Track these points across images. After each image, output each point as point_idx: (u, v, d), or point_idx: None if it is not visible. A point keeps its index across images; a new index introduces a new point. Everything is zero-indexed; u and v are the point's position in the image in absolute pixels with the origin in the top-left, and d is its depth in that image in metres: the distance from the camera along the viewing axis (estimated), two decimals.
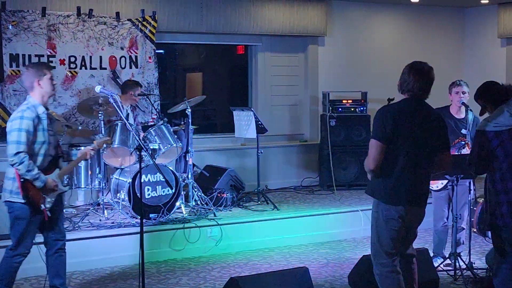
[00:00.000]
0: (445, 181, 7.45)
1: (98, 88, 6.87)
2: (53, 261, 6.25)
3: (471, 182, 7.38)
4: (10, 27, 9.04)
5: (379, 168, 5.29)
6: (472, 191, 7.40)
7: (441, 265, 7.50)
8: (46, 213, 5.95)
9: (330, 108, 11.15)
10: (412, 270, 5.64)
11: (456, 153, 7.26)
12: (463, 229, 7.66)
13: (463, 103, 7.48)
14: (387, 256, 5.45)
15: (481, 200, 8.45)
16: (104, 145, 7.08)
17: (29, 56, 9.19)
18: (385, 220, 5.39)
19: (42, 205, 5.91)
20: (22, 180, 5.80)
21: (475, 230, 8.23)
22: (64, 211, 8.56)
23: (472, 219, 7.77)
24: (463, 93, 7.55)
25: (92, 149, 6.48)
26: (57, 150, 6.15)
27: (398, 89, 5.49)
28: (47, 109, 6.05)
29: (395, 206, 5.32)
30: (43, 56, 9.27)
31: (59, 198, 6.19)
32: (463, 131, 7.51)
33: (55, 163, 6.08)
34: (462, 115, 7.62)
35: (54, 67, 6.29)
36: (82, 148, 7.09)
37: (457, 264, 7.19)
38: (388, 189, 5.35)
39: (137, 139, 6.56)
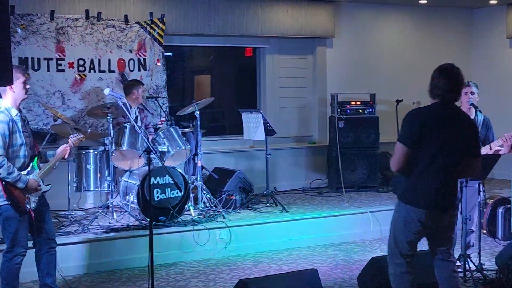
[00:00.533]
0: None
1: (107, 91, 6.88)
2: (44, 260, 6.28)
3: (480, 184, 7.35)
4: (19, 30, 9.08)
5: (402, 170, 5.28)
6: (481, 193, 7.37)
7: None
8: (32, 213, 5.98)
9: (339, 110, 11.14)
10: (453, 274, 5.52)
11: None
12: (473, 231, 7.63)
13: (472, 104, 7.44)
14: (402, 257, 5.41)
15: (490, 202, 8.45)
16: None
17: (38, 59, 9.23)
18: (403, 221, 5.34)
19: (28, 205, 5.95)
20: (3, 183, 5.82)
21: (484, 231, 8.22)
22: (74, 213, 8.66)
23: (482, 221, 7.75)
24: (472, 93, 7.52)
25: (67, 147, 6.46)
26: (33, 151, 6.19)
27: (428, 94, 5.42)
28: (20, 111, 6.07)
29: (415, 208, 5.27)
30: (52, 59, 9.31)
31: (42, 198, 6.23)
32: None
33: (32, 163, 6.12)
34: (472, 117, 7.59)
35: (28, 74, 6.23)
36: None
37: (466, 265, 7.16)
38: (410, 190, 5.33)
39: (146, 141, 6.56)
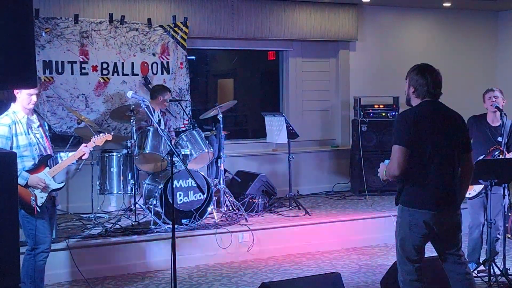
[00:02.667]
0: (478, 188, 7.34)
1: (130, 94, 6.90)
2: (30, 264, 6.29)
3: (505, 188, 7.28)
4: (43, 34, 9.15)
5: (404, 173, 5.16)
6: (506, 197, 7.29)
7: (475, 271, 7.40)
8: (36, 208, 6.01)
9: (362, 113, 11.12)
10: (466, 276, 5.37)
11: (487, 159, 7.18)
12: (498, 239, 7.54)
13: (496, 107, 7.38)
14: (410, 263, 5.30)
15: None
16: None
17: (62, 62, 9.30)
18: (408, 226, 5.23)
19: (33, 201, 5.99)
20: None
21: (509, 236, 8.14)
22: (97, 216, 8.70)
23: (507, 225, 7.67)
24: (495, 97, 7.46)
25: (86, 146, 6.48)
26: (46, 151, 6.26)
27: (410, 96, 5.44)
28: (37, 113, 6.22)
29: (420, 210, 5.18)
30: (75, 62, 9.37)
31: (52, 201, 6.30)
32: (499, 138, 7.43)
33: (43, 162, 6.18)
34: (498, 123, 7.52)
35: (39, 88, 6.37)
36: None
37: (491, 270, 7.10)
38: (411, 193, 5.23)
39: (169, 144, 6.57)
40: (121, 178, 8.65)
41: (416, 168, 5.16)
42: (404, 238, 5.30)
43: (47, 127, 6.55)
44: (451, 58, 12.39)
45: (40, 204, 6.08)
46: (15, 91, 6.08)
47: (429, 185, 5.16)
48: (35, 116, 6.26)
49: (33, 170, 6.10)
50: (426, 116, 5.23)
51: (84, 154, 6.48)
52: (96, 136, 6.76)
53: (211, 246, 8.24)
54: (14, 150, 5.94)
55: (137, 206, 8.65)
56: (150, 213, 8.41)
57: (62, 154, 6.50)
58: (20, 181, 5.94)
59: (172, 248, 6.04)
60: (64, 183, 6.37)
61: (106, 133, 6.86)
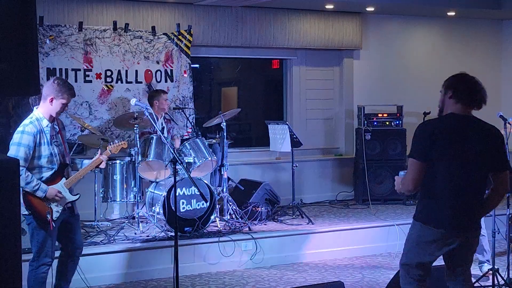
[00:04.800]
0: None
1: (133, 101, 6.91)
2: (67, 266, 6.29)
3: (509, 197, 7.25)
4: (47, 41, 9.16)
5: (418, 188, 4.88)
6: (511, 206, 7.26)
7: (478, 282, 7.36)
8: (52, 223, 5.94)
9: (366, 122, 11.10)
10: None
11: None
12: (484, 236, 7.52)
13: (500, 116, 7.37)
14: (414, 282, 5.02)
15: None
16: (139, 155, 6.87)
17: (66, 70, 9.30)
18: (417, 242, 4.96)
19: (48, 215, 5.92)
20: (23, 192, 5.80)
21: None
22: (100, 224, 8.69)
23: (511, 235, 7.64)
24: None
25: (103, 155, 6.48)
26: (64, 159, 6.17)
27: (447, 101, 4.98)
28: (53, 120, 6.08)
29: (430, 227, 4.86)
30: (79, 70, 9.38)
31: (71, 207, 6.22)
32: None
33: (60, 173, 6.09)
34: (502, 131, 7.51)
35: (74, 96, 6.29)
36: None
37: (495, 280, 7.07)
38: (426, 209, 4.92)
39: (172, 151, 6.56)
40: (124, 186, 8.64)
41: (431, 183, 4.85)
42: (411, 253, 5.03)
43: (65, 131, 6.47)
44: (455, 67, 12.24)
45: (55, 218, 6.00)
46: (50, 97, 5.93)
47: (444, 203, 4.82)
48: (55, 122, 6.15)
49: (50, 181, 6.00)
50: (447, 129, 4.85)
51: (101, 163, 6.47)
52: (111, 144, 6.74)
53: (214, 254, 8.22)
54: (35, 160, 5.88)
55: (140, 214, 8.64)
56: (153, 221, 8.40)
57: (85, 161, 6.46)
58: (39, 193, 5.88)
59: (175, 257, 6.04)
60: (79, 195, 6.28)
61: (121, 140, 6.84)
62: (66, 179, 6.14)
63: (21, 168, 5.71)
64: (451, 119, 4.90)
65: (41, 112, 5.99)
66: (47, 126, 5.97)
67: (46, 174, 5.97)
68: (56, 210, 6.02)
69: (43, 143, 5.92)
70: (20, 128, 5.91)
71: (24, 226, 6.01)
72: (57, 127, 6.16)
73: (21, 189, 5.78)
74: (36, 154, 5.88)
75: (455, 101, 4.92)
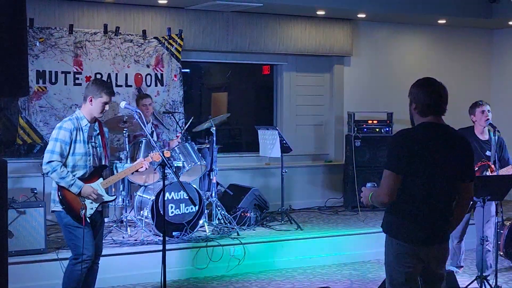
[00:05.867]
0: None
1: (122, 104, 6.87)
2: (86, 273, 6.23)
3: (498, 205, 7.27)
4: (37, 43, 9.13)
5: (393, 200, 4.60)
6: (500, 214, 7.28)
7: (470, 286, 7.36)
8: (86, 219, 5.97)
9: (355, 129, 11.11)
10: None
11: (483, 175, 7.16)
12: (489, 251, 7.54)
13: (490, 124, 7.38)
14: None
15: (508, 223, 8.35)
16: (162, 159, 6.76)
17: (56, 72, 9.28)
18: (395, 256, 4.71)
19: (82, 211, 5.94)
20: (58, 187, 5.94)
21: (501, 253, 8.12)
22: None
23: (499, 242, 7.66)
24: (488, 111, 7.47)
25: (145, 160, 6.52)
26: (101, 162, 6.23)
27: (412, 114, 4.79)
28: (95, 121, 6.19)
29: (406, 244, 4.63)
30: (69, 72, 9.35)
31: (101, 211, 6.24)
32: (488, 153, 7.42)
33: (97, 173, 6.15)
34: (487, 136, 7.53)
35: (113, 95, 6.33)
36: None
37: (483, 287, 7.07)
38: (400, 225, 4.67)
39: (161, 155, 6.53)
40: (113, 189, 8.60)
41: (405, 197, 4.62)
42: (393, 271, 4.79)
43: (107, 136, 6.49)
44: (446, 75, 12.33)
45: (89, 215, 6.03)
46: (90, 97, 6.05)
47: (419, 218, 4.62)
48: (96, 124, 6.23)
49: (87, 179, 6.06)
50: (423, 140, 4.62)
51: (142, 167, 6.45)
52: (152, 152, 6.74)
53: (202, 259, 8.19)
54: (69, 157, 5.96)
55: (128, 217, 8.60)
56: (141, 225, 8.37)
57: (126, 165, 6.46)
58: (74, 189, 5.93)
59: (163, 261, 6.01)
60: (116, 195, 6.31)
61: (164, 149, 6.85)
62: (104, 179, 6.18)
63: (57, 163, 5.87)
64: (425, 129, 4.69)
65: (82, 112, 6.12)
66: (85, 125, 6.08)
67: (79, 172, 6.02)
68: (90, 207, 6.05)
69: (79, 141, 6.01)
70: (58, 124, 6.06)
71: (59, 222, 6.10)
72: (97, 129, 6.24)
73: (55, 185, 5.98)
74: (70, 151, 5.97)
75: (421, 114, 4.72)
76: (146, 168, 6.57)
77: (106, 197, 6.19)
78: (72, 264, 6.07)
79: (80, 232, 5.94)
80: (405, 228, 4.65)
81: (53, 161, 5.87)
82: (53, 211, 6.11)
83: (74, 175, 5.97)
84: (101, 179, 6.15)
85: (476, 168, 7.29)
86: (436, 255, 4.74)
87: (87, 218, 5.99)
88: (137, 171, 6.59)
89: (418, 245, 4.64)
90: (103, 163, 6.26)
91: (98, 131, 6.24)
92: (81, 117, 6.09)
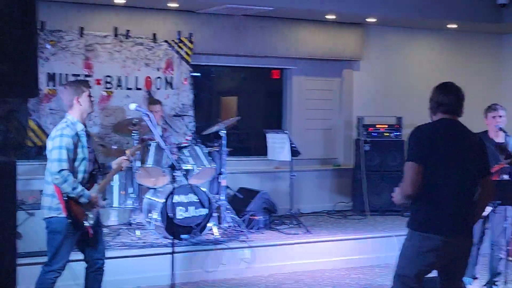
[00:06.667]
0: (488, 209, 7.25)
1: (133, 106, 6.88)
2: (92, 279, 6.22)
3: (508, 209, 7.23)
4: (48, 46, 9.16)
5: (417, 192, 4.85)
6: (509, 218, 7.25)
7: None
8: (90, 230, 5.89)
9: (365, 133, 11.11)
10: None
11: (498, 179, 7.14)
12: (501, 258, 7.50)
13: (500, 128, 7.36)
14: None
15: None
16: (136, 156, 6.79)
17: (66, 75, 9.30)
18: (417, 252, 4.93)
19: (86, 222, 5.86)
20: (65, 198, 5.73)
21: (511, 258, 8.07)
22: None
23: (509, 248, 7.62)
24: (500, 117, 7.44)
25: (126, 159, 6.38)
26: (94, 166, 6.12)
27: (431, 114, 5.19)
28: (85, 125, 6.04)
29: (432, 235, 4.84)
30: (79, 75, 9.38)
31: (98, 216, 6.15)
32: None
33: (94, 178, 6.06)
34: (502, 139, 7.50)
35: (90, 87, 6.27)
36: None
37: None
38: (423, 216, 4.91)
39: (170, 157, 6.55)
40: (122, 192, 8.63)
41: (428, 189, 4.85)
42: (408, 264, 4.98)
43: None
44: (456, 80, 12.17)
45: (92, 224, 5.92)
46: (75, 98, 5.88)
47: (442, 208, 4.84)
48: (86, 127, 6.11)
49: (86, 186, 5.92)
50: (442, 133, 4.99)
51: (122, 167, 6.41)
52: (129, 148, 6.70)
53: (211, 262, 8.20)
54: (71, 164, 5.79)
55: (137, 220, 8.62)
56: (150, 228, 8.38)
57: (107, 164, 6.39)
58: (83, 199, 5.80)
59: (172, 264, 6.02)
60: (108, 199, 6.25)
61: (138, 145, 6.80)
62: (98, 184, 6.10)
63: (67, 172, 5.70)
64: (443, 123, 5.05)
65: (74, 116, 5.93)
66: (81, 129, 5.93)
67: (79, 179, 5.86)
68: (91, 216, 5.94)
69: (79, 146, 5.86)
70: (57, 132, 5.83)
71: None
72: (89, 134, 6.14)
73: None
74: (73, 156, 5.82)
75: (437, 112, 5.13)
76: (126, 165, 6.45)
77: (102, 203, 6.12)
78: (45, 271, 5.92)
79: (66, 241, 5.83)
80: (429, 219, 4.87)
81: (63, 169, 5.69)
82: (46, 218, 5.88)
83: (78, 182, 5.83)
84: (96, 185, 6.04)
85: (494, 172, 7.27)
86: (462, 249, 4.97)
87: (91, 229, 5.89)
88: (121, 170, 6.46)
89: (445, 235, 4.82)
90: (95, 167, 6.13)
91: (90, 135, 6.16)
92: (75, 122, 5.90)
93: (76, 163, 5.86)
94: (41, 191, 6.96)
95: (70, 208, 5.78)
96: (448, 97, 5.11)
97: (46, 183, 5.87)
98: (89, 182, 5.99)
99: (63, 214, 5.77)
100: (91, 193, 5.90)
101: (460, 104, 5.13)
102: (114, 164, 6.36)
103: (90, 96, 6.00)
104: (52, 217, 5.84)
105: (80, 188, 5.78)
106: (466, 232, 4.98)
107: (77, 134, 5.87)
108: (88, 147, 5.97)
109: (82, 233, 5.95)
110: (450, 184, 4.87)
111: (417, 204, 4.96)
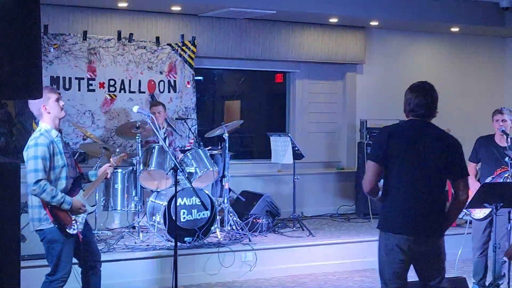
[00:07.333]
0: (487, 211, 7.27)
1: (135, 108, 6.89)
2: (90, 281, 6.19)
3: (511, 212, 7.22)
4: (51, 50, 9.19)
5: (374, 190, 4.95)
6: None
7: None
8: (80, 235, 5.85)
9: (368, 136, 11.09)
10: None
11: (493, 182, 7.14)
12: (505, 261, 7.48)
13: (503, 131, 7.36)
14: None
15: None
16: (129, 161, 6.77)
17: (70, 78, 9.33)
18: (385, 251, 4.95)
19: (75, 227, 5.81)
20: (49, 207, 5.68)
21: None
22: (100, 232, 8.67)
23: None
24: (503, 121, 7.44)
25: (110, 166, 6.32)
26: (76, 171, 6.05)
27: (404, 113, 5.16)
28: (60, 131, 5.96)
29: (393, 234, 4.89)
30: (83, 79, 9.41)
31: (86, 220, 6.06)
32: (507, 159, 7.39)
33: (78, 184, 5.98)
34: (505, 143, 7.50)
35: (59, 93, 6.14)
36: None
37: None
38: (386, 216, 5.00)
39: (173, 159, 6.55)
40: (125, 195, 8.64)
41: (389, 189, 4.93)
42: (383, 264, 5.03)
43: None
44: (459, 83, 12.40)
45: (80, 230, 5.88)
46: (42, 107, 5.72)
47: (402, 207, 4.87)
48: (62, 134, 6.04)
49: (70, 193, 5.84)
50: (404, 133, 4.98)
51: (107, 175, 6.34)
52: (114, 156, 6.65)
53: (214, 265, 8.21)
54: (51, 171, 5.70)
55: (140, 223, 8.63)
56: (153, 231, 8.39)
57: (90, 172, 6.34)
58: (65, 206, 5.71)
59: (174, 266, 6.02)
60: (95, 205, 6.18)
61: (121, 152, 6.73)
62: (83, 190, 6.03)
63: (44, 182, 5.60)
64: (409, 124, 5.05)
65: (47, 124, 5.81)
66: (56, 136, 5.81)
67: (61, 185, 5.78)
68: (80, 221, 5.89)
69: (56, 153, 5.74)
70: (31, 142, 5.72)
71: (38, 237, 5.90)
72: (65, 139, 6.06)
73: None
74: (51, 164, 5.71)
75: (407, 113, 5.10)
76: (111, 172, 6.35)
77: (89, 208, 6.01)
78: (49, 281, 5.86)
79: (65, 248, 5.78)
80: (392, 219, 4.92)
81: (40, 180, 5.58)
82: (39, 230, 5.80)
83: (58, 190, 5.74)
84: (81, 191, 5.97)
85: (496, 175, 7.27)
86: (427, 250, 4.91)
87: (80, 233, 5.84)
88: (106, 178, 6.37)
89: (404, 234, 4.84)
90: (76, 172, 6.04)
91: (67, 141, 6.08)
92: (49, 129, 5.77)
93: (57, 170, 5.76)
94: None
95: (56, 215, 5.72)
96: (417, 99, 5.05)
97: (31, 195, 5.74)
98: (74, 187, 5.92)
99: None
100: (74, 199, 5.81)
101: (430, 106, 5.04)
102: (99, 171, 6.29)
103: (57, 100, 5.83)
104: (44, 228, 5.77)
105: (60, 195, 5.69)
106: (428, 231, 4.93)
107: (52, 142, 5.75)
108: (66, 153, 5.87)
109: (76, 239, 5.91)
110: (410, 184, 4.88)
111: (383, 204, 5.03)
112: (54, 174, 5.74)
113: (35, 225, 5.81)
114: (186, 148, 9.66)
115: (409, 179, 4.89)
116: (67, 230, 5.76)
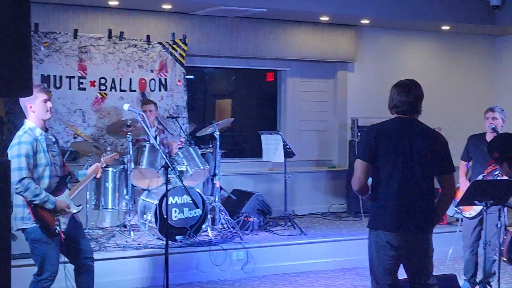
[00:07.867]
0: (478, 208, 7.29)
1: (126, 106, 6.87)
2: (83, 278, 6.14)
3: (501, 210, 7.24)
4: (42, 48, 9.16)
5: (363, 189, 5.02)
6: (502, 218, 7.25)
7: None
8: (62, 235, 5.79)
9: (359, 134, 11.09)
10: None
11: (484, 179, 7.16)
12: (495, 260, 7.50)
13: (493, 129, 7.38)
14: None
15: (511, 229, 8.33)
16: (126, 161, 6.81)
17: (60, 77, 9.31)
18: (375, 248, 5.01)
19: (57, 227, 5.76)
20: (32, 205, 5.65)
21: (504, 259, 8.08)
22: (91, 231, 8.65)
23: (502, 248, 7.63)
24: (494, 118, 7.46)
25: (98, 165, 6.27)
26: (63, 170, 6.03)
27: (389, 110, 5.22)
28: (46, 130, 5.90)
29: (381, 231, 4.96)
30: (74, 77, 9.39)
31: (74, 219, 6.03)
32: None
33: (64, 183, 5.95)
34: None
35: (50, 92, 6.06)
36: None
37: None
38: (375, 213, 5.07)
39: (164, 157, 6.53)
40: (117, 194, 8.62)
41: (377, 187, 5.00)
42: (374, 262, 5.08)
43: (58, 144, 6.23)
44: (449, 81, 12.42)
45: (63, 230, 5.82)
46: (28, 104, 5.69)
47: (390, 205, 4.92)
48: (49, 132, 5.98)
49: (55, 192, 5.81)
50: (391, 131, 5.03)
51: (98, 173, 6.30)
52: (104, 155, 6.62)
53: (205, 263, 8.20)
54: (34, 169, 5.66)
55: (131, 222, 8.62)
56: (144, 229, 8.38)
57: (80, 172, 6.30)
58: (48, 205, 5.67)
59: (166, 265, 6.01)
60: (82, 205, 6.15)
61: (112, 152, 6.69)
62: (69, 190, 6.00)
63: (27, 180, 5.57)
64: (395, 121, 5.11)
65: (32, 122, 5.78)
66: (41, 134, 5.77)
67: (44, 183, 5.74)
68: (64, 221, 5.84)
69: (39, 151, 5.70)
70: (15, 141, 5.70)
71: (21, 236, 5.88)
72: (53, 138, 6.00)
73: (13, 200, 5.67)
74: (34, 163, 5.67)
75: (392, 111, 5.17)
76: (102, 173, 6.33)
77: (75, 208, 5.95)
78: (37, 281, 5.83)
79: (49, 247, 5.75)
80: (380, 216, 4.98)
81: (23, 178, 5.55)
82: (21, 229, 5.77)
83: (41, 188, 5.69)
84: (67, 190, 5.94)
85: (486, 173, 7.29)
86: (415, 246, 4.98)
87: (62, 234, 5.78)
88: (95, 177, 6.32)
89: (393, 231, 4.90)
90: (64, 171, 6.02)
91: (54, 139, 6.01)
92: (33, 127, 5.74)
93: (40, 169, 5.72)
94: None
95: (38, 214, 5.68)
96: (399, 95, 5.11)
97: (15, 194, 5.68)
98: (59, 187, 5.89)
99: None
100: (58, 198, 5.78)
101: (415, 103, 5.12)
102: (89, 170, 6.26)
103: (45, 101, 5.77)
104: (27, 227, 5.73)
105: (43, 194, 5.65)
106: (417, 228, 4.98)
107: (36, 140, 5.71)
108: (52, 151, 5.84)
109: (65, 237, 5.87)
110: (396, 181, 4.92)
111: (372, 203, 5.10)
112: (37, 173, 5.71)
113: (17, 224, 5.77)
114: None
115: (397, 176, 4.93)
116: (49, 229, 5.74)
